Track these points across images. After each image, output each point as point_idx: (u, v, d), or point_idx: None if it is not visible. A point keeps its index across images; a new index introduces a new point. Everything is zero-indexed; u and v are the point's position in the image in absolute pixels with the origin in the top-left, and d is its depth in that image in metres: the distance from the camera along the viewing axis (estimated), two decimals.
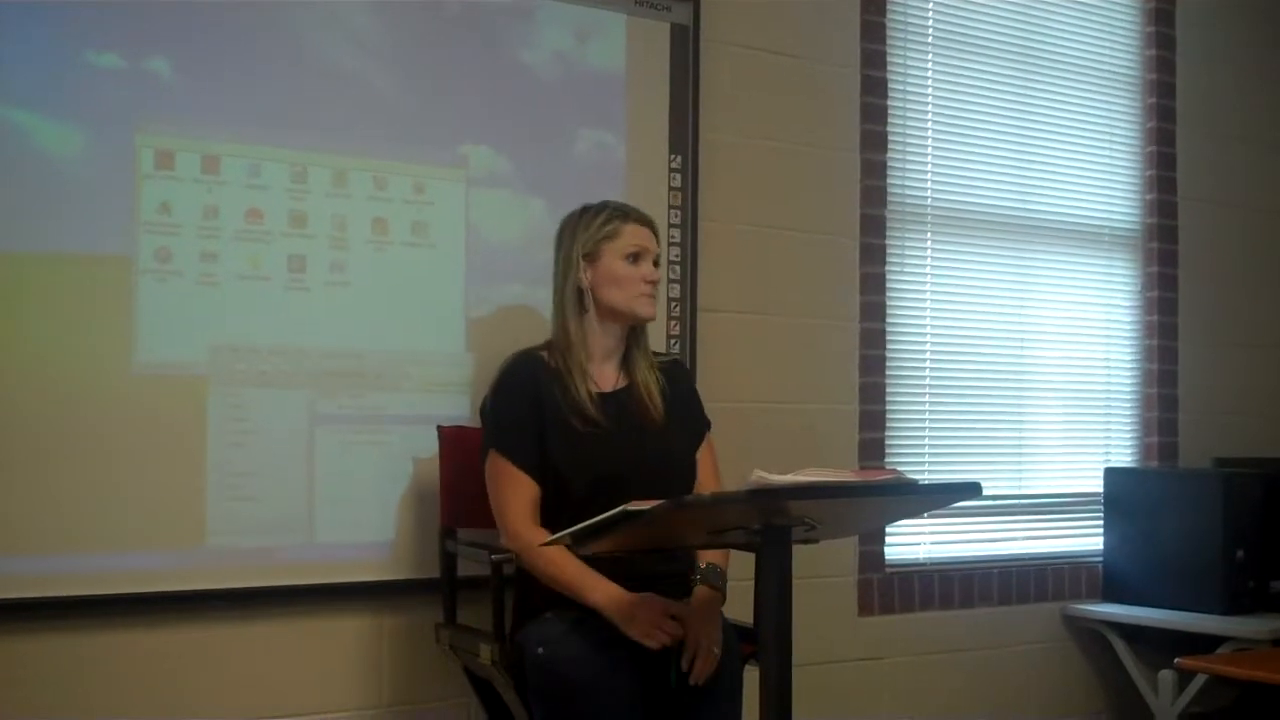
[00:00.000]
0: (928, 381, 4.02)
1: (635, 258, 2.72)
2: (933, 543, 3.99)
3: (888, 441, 3.88)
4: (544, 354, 2.75)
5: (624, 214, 2.76)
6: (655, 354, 2.87)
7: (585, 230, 2.75)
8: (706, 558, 2.70)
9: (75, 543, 2.69)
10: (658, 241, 2.79)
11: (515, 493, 2.65)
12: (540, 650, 2.54)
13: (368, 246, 3.02)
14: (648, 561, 2.62)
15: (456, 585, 2.97)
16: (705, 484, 2.80)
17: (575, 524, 2.17)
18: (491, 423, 2.72)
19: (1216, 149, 4.63)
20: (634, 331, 2.79)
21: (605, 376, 2.76)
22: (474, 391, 3.07)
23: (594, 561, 2.54)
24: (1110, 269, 4.46)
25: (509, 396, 2.70)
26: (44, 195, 2.67)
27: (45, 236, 2.68)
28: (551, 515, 2.62)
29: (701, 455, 2.82)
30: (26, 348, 2.66)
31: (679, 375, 2.90)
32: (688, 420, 2.83)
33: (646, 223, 2.78)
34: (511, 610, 2.71)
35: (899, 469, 2.69)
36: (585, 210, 2.79)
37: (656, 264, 2.77)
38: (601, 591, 2.52)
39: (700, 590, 2.63)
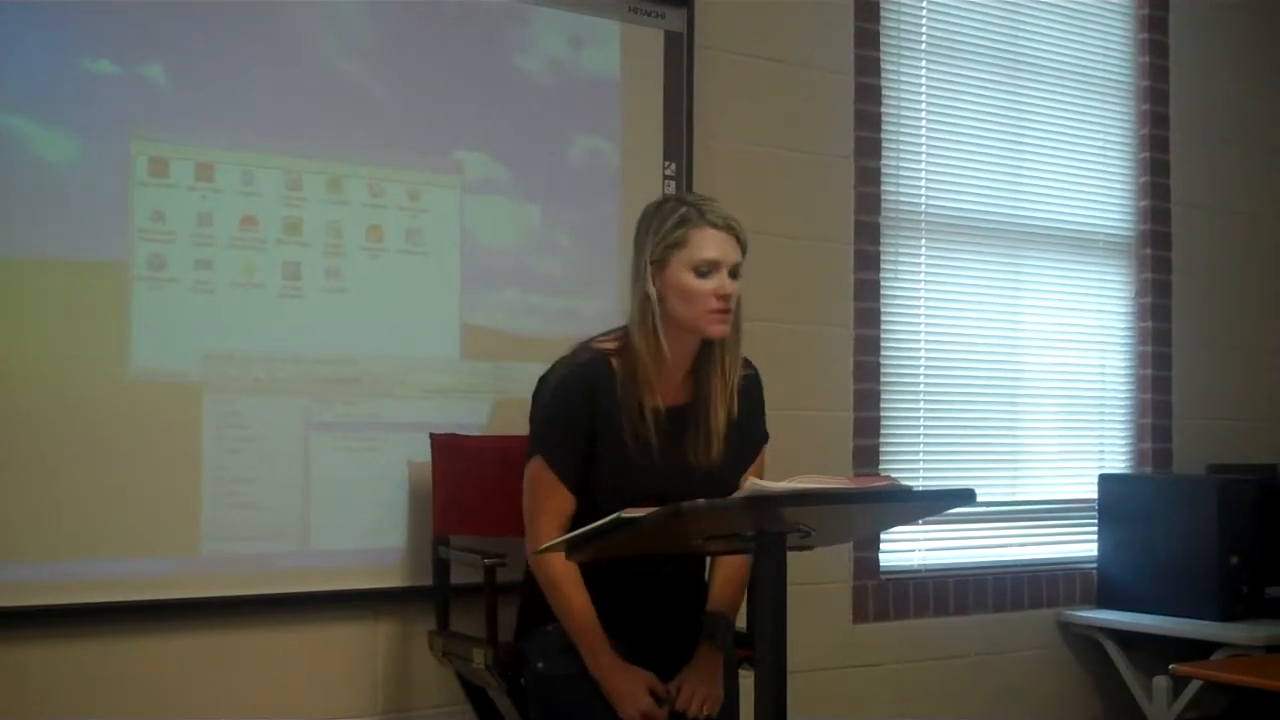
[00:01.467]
0: (922, 388, 4.02)
1: (707, 269, 2.46)
2: (927, 549, 3.99)
3: (882, 448, 3.88)
4: (614, 358, 2.54)
5: (698, 215, 2.47)
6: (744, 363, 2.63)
7: (655, 234, 2.49)
8: (716, 602, 2.61)
9: (69, 549, 2.68)
10: (740, 246, 2.50)
11: (551, 504, 2.53)
12: (540, 665, 2.54)
13: (362, 253, 3.01)
14: (659, 588, 2.59)
15: (450, 592, 2.96)
16: None
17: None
18: (542, 425, 2.57)
19: (1210, 155, 4.64)
20: (710, 342, 2.54)
21: (670, 387, 2.55)
22: (469, 398, 3.08)
23: (605, 585, 2.51)
24: (1104, 275, 4.46)
25: (567, 402, 2.52)
26: (38, 202, 2.67)
27: (39, 243, 2.67)
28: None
29: (746, 476, 2.59)
30: (21, 354, 2.65)
31: (749, 388, 2.64)
32: (745, 443, 2.63)
33: (724, 226, 2.48)
34: (517, 613, 2.69)
35: (893, 476, 2.70)
36: (661, 205, 2.55)
37: (735, 275, 2.49)
38: (594, 663, 2.47)
39: (702, 649, 2.55)
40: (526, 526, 2.59)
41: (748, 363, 2.65)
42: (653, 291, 2.49)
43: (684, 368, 2.57)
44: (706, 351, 2.56)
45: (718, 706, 2.52)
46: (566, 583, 2.50)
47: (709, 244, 2.47)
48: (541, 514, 2.53)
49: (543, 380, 2.62)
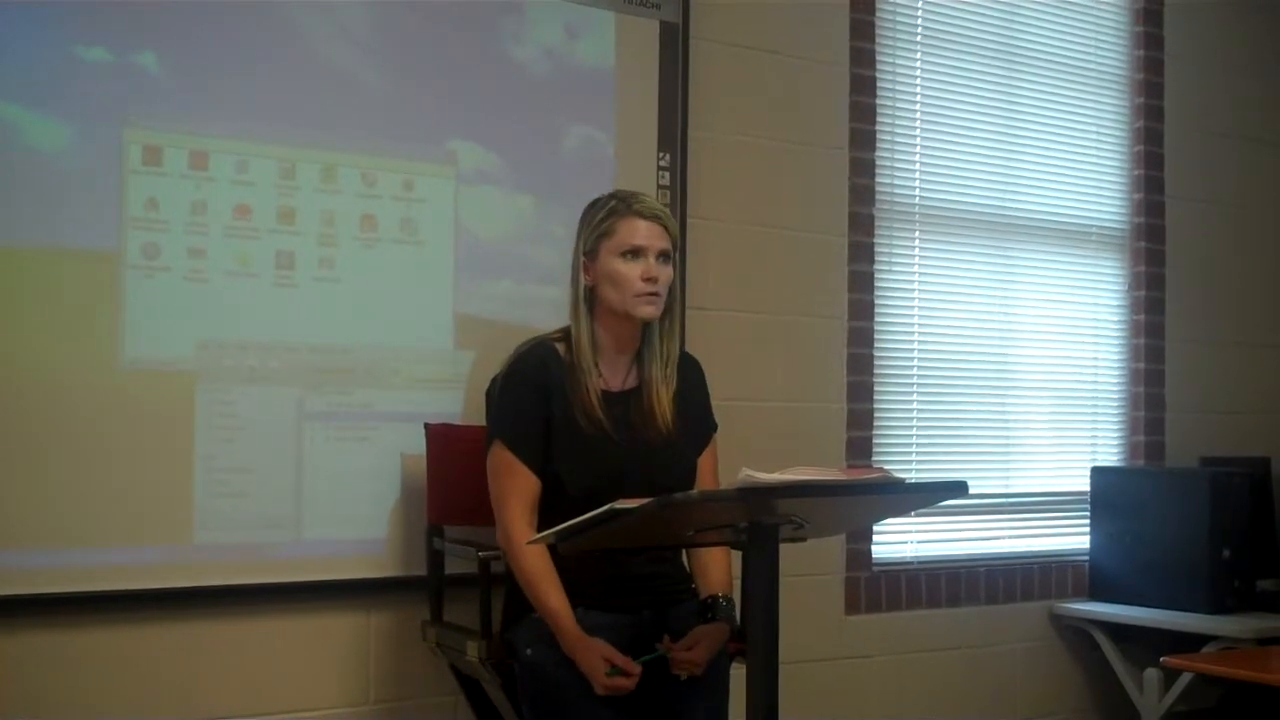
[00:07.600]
0: (915, 380, 4.02)
1: (634, 254, 2.59)
2: (919, 541, 4.00)
3: (875, 440, 3.88)
4: (559, 345, 2.65)
5: (625, 206, 2.62)
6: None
7: (588, 226, 2.64)
8: (712, 587, 2.65)
9: (61, 538, 2.68)
10: (669, 235, 2.63)
11: (515, 487, 2.58)
12: (529, 652, 2.55)
13: (356, 243, 3.01)
14: (637, 564, 2.62)
15: (444, 583, 2.96)
16: (703, 487, 2.70)
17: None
18: (498, 411, 2.65)
19: (1204, 148, 4.64)
20: (649, 327, 2.66)
21: (615, 375, 2.67)
22: (467, 388, 3.08)
23: (584, 563, 2.53)
24: (1098, 268, 4.47)
25: (519, 386, 2.62)
26: (31, 190, 2.66)
27: (32, 231, 2.66)
28: (546, 514, 2.57)
29: (703, 460, 2.74)
30: (13, 343, 2.65)
31: (691, 373, 2.77)
32: (694, 423, 2.74)
33: (650, 216, 2.62)
34: (502, 606, 2.70)
35: (886, 468, 2.70)
36: (594, 203, 2.68)
37: (666, 259, 2.61)
38: (564, 644, 2.49)
39: (711, 623, 2.59)
40: (495, 512, 2.63)
41: (688, 354, 2.80)
42: (584, 280, 2.63)
43: (627, 354, 2.68)
44: (647, 338, 2.68)
45: (697, 671, 2.53)
46: (542, 579, 2.53)
47: (634, 231, 2.60)
48: (508, 497, 2.59)
49: (495, 379, 2.72)
